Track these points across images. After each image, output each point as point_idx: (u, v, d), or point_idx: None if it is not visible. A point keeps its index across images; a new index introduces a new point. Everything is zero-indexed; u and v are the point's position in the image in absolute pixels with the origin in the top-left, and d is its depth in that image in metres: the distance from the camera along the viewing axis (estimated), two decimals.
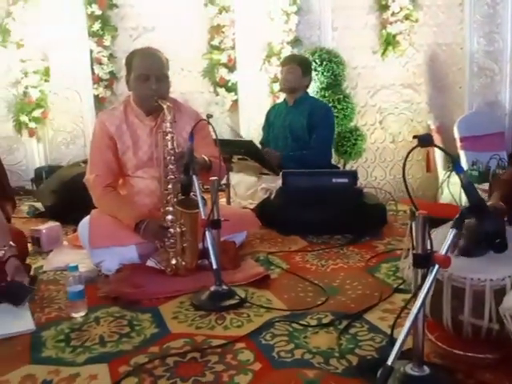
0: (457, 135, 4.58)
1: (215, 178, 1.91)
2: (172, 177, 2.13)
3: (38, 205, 3.38)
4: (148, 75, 2.18)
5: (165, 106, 2.11)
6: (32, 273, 2.20)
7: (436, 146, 1.19)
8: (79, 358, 1.51)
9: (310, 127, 3.25)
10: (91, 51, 4.31)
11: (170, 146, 2.12)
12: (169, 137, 2.12)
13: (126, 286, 2.00)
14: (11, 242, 1.98)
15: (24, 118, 4.10)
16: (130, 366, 1.45)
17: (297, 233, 2.69)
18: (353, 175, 2.72)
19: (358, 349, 1.49)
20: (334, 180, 2.68)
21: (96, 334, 1.66)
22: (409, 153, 1.23)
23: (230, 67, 4.60)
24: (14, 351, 1.57)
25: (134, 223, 2.17)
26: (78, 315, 1.80)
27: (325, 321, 1.68)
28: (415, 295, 1.22)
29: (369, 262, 2.26)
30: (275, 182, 3.11)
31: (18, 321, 1.76)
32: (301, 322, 1.66)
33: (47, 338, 1.65)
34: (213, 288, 1.89)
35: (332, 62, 4.40)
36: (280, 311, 1.77)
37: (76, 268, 1.85)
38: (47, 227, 2.64)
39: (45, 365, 1.49)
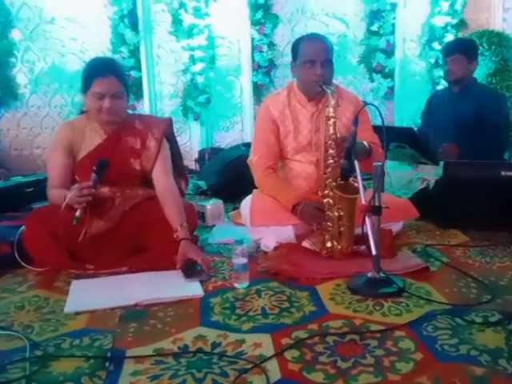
0: None
1: (379, 163, 1.89)
2: (332, 161, 2.16)
3: (201, 183, 3.66)
4: (314, 61, 2.21)
5: (329, 91, 2.14)
6: (199, 244, 2.40)
7: None
8: (244, 326, 1.62)
9: (480, 117, 3.04)
10: (252, 39, 4.49)
11: (331, 131, 2.14)
12: (331, 122, 2.14)
13: (285, 263, 2.08)
14: (184, 223, 2.14)
15: (190, 103, 4.44)
16: (291, 339, 1.51)
17: (457, 226, 2.56)
18: None
19: None
20: (503, 173, 2.48)
21: (258, 305, 1.76)
22: None
23: (388, 53, 4.49)
24: (187, 313, 1.73)
25: (291, 205, 2.24)
26: (241, 286, 1.92)
27: (492, 319, 1.58)
28: None
29: None
30: (433, 172, 2.98)
31: (188, 286, 1.94)
32: (465, 318, 1.59)
33: (215, 305, 1.79)
34: (370, 274, 1.88)
35: (502, 45, 4.07)
36: (441, 304, 1.71)
37: (241, 242, 1.97)
38: (211, 204, 2.85)
39: (214, 328, 1.61)
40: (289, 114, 2.36)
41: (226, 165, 3.44)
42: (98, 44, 4.34)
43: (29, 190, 2.90)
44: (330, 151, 2.15)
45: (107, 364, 1.42)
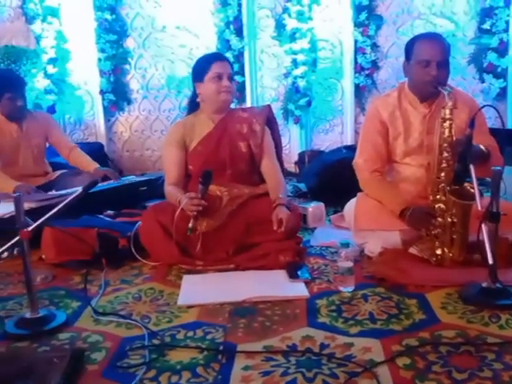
0: None
1: (498, 168, 1.79)
2: (446, 165, 2.07)
3: (301, 185, 3.67)
4: (429, 61, 2.14)
5: (446, 93, 2.05)
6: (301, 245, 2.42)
7: None
8: (352, 330, 1.61)
9: None
10: (356, 41, 4.44)
11: (447, 134, 2.06)
12: (447, 124, 2.06)
13: (391, 269, 2.03)
14: (281, 195, 2.35)
15: (291, 106, 4.47)
16: (401, 346, 1.48)
17: None
18: None
19: None
20: None
21: (365, 309, 1.75)
22: None
23: (501, 51, 4.23)
24: (293, 313, 1.75)
25: (399, 209, 2.18)
26: (346, 290, 1.91)
27: None
28: None
29: None
30: None
31: (294, 286, 1.97)
32: None
33: (320, 306, 1.79)
34: (485, 284, 1.79)
35: None
36: None
37: (347, 244, 1.96)
38: (313, 206, 2.85)
39: (321, 330, 1.62)
40: (399, 116, 2.31)
41: (327, 167, 3.42)
42: (205, 50, 4.47)
43: (142, 188, 3.09)
44: (445, 154, 2.05)
45: (220, 357, 1.48)
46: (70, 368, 1.40)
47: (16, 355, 1.56)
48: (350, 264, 1.92)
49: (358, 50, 4.48)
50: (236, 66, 4.47)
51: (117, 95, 4.64)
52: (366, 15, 4.40)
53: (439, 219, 2.07)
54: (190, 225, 2.15)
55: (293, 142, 4.68)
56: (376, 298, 1.84)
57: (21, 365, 1.43)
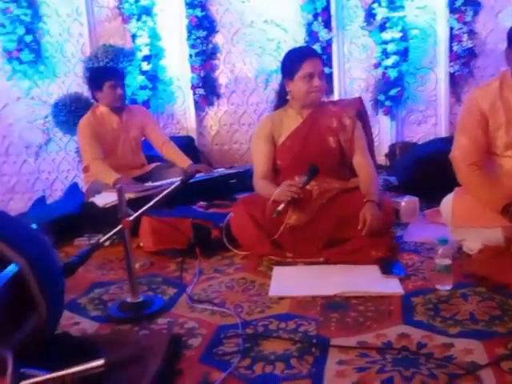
0: None
1: None
2: None
3: (392, 179, 3.56)
4: None
5: None
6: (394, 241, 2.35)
7: None
8: (451, 330, 1.54)
9: None
10: (451, 28, 4.23)
11: None
12: None
13: (493, 268, 1.92)
14: (371, 190, 2.36)
15: (381, 97, 4.35)
16: (506, 350, 1.40)
17: None
18: None
19: None
20: None
21: (466, 309, 1.66)
22: None
23: None
24: (388, 309, 1.71)
25: (501, 205, 2.06)
26: (444, 288, 1.83)
27: None
28: None
29: None
30: None
31: (388, 282, 1.92)
32: None
33: (417, 304, 1.73)
34: None
35: None
36: None
37: (446, 241, 1.88)
38: (406, 200, 2.76)
39: (417, 328, 1.57)
40: (500, 106, 2.16)
41: (421, 160, 3.29)
42: (293, 43, 4.45)
43: (232, 181, 3.16)
44: None
45: (313, 350, 1.48)
46: (169, 352, 1.46)
47: (119, 339, 1.65)
48: (447, 261, 1.84)
49: (453, 38, 4.26)
50: (323, 58, 4.42)
51: (207, 90, 4.75)
52: (463, 1, 4.16)
53: None
54: (280, 208, 2.15)
55: (382, 133, 4.54)
56: (476, 298, 1.74)
57: (123, 348, 1.52)
